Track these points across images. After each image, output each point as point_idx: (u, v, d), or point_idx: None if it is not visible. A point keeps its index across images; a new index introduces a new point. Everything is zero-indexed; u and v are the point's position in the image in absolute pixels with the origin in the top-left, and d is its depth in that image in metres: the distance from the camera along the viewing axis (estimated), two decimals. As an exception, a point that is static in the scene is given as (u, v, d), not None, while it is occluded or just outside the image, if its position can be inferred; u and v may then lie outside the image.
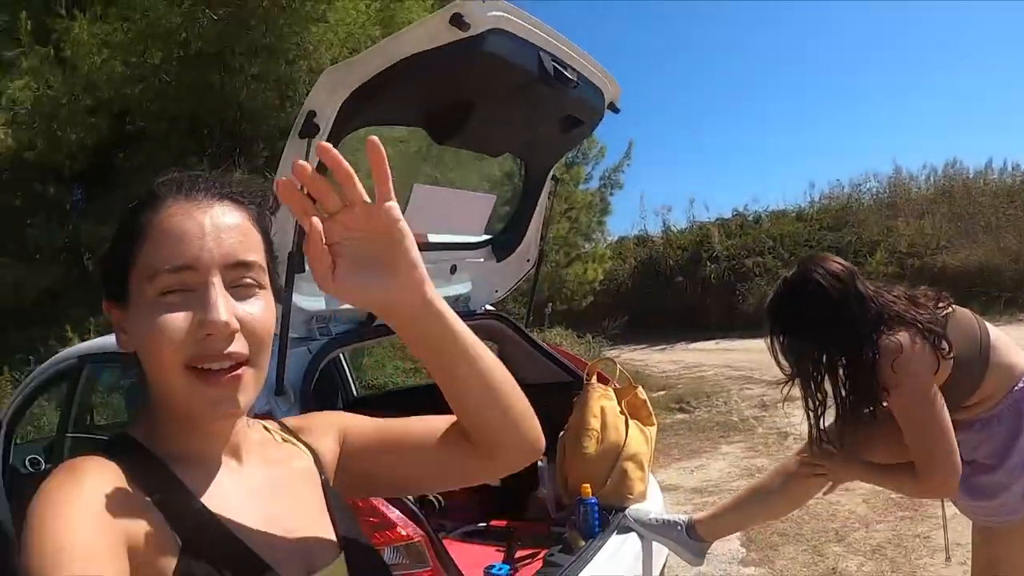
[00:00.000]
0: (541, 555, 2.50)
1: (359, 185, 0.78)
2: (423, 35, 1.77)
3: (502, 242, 2.93)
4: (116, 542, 0.72)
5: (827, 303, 2.12)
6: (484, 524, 3.00)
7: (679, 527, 2.50)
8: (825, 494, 2.49)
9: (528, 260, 3.04)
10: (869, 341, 2.09)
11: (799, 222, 18.24)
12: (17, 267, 10.29)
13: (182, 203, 0.84)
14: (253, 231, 0.89)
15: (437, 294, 0.86)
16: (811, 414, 2.28)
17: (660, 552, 2.82)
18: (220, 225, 0.84)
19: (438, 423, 1.05)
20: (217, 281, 0.82)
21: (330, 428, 1.09)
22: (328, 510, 0.99)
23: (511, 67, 1.95)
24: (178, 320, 0.80)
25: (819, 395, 2.24)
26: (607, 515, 2.66)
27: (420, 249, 2.50)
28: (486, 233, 2.88)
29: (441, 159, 2.72)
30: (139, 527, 0.76)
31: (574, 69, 2.16)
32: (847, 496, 4.90)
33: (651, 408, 2.92)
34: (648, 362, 13.59)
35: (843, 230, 17.05)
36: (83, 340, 8.82)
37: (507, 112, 2.21)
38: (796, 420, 7.17)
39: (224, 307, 0.80)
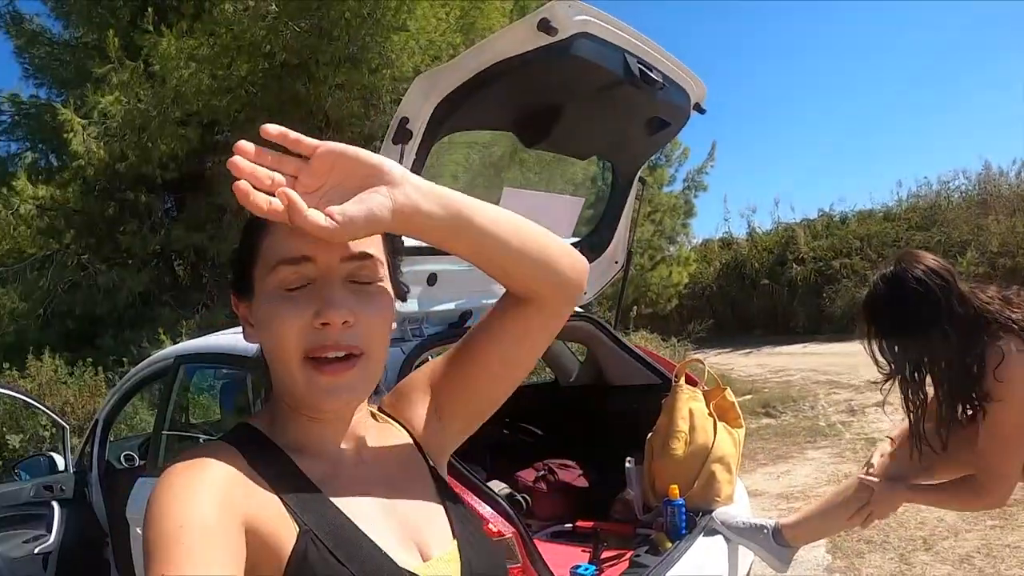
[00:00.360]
0: (627, 556, 2.51)
1: (303, 138, 0.79)
2: (511, 41, 1.81)
3: (590, 244, 2.93)
4: (234, 523, 0.76)
5: (927, 302, 2.07)
6: (570, 525, 3.02)
7: (765, 531, 2.50)
8: (863, 526, 2.46)
9: (616, 262, 3.05)
10: (971, 346, 2.05)
11: (887, 222, 17.72)
12: (110, 273, 10.78)
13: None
14: None
15: (424, 181, 0.86)
16: (911, 416, 2.23)
17: (746, 556, 2.81)
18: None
19: (489, 311, 1.07)
20: (335, 273, 0.85)
21: (414, 389, 1.10)
22: (439, 496, 1.00)
23: (598, 70, 1.97)
24: (296, 311, 0.84)
25: (919, 396, 2.20)
26: (694, 517, 2.66)
27: None
28: (574, 235, 2.90)
29: (526, 162, 2.76)
30: (258, 510, 0.80)
31: (659, 71, 2.18)
32: (937, 506, 4.78)
33: (739, 410, 2.89)
34: (733, 366, 13.40)
35: (932, 229, 16.47)
36: (175, 342, 9.17)
37: (594, 115, 2.23)
38: (884, 426, 7.00)
39: (339, 299, 0.84)
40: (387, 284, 0.93)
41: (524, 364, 1.09)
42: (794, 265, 17.70)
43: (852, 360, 11.57)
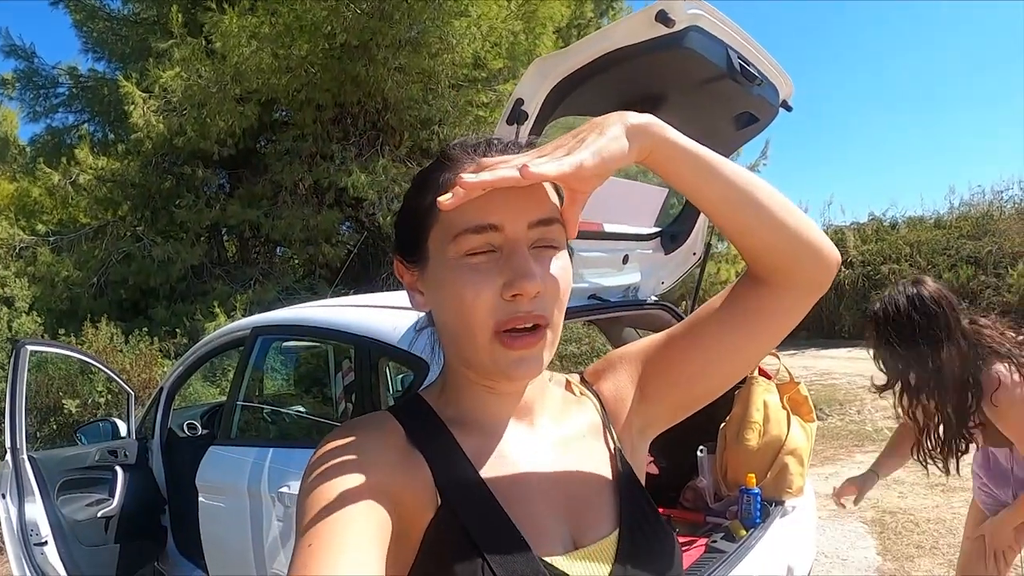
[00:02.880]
0: (699, 543, 2.53)
1: (552, 173, 0.74)
2: (628, 30, 1.84)
3: (671, 235, 2.95)
4: (383, 496, 0.76)
5: (935, 324, 2.22)
6: (640, 511, 3.03)
7: None
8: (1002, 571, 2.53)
9: (694, 254, 3.06)
10: (967, 370, 2.20)
11: (937, 229, 17.23)
12: (165, 245, 10.85)
13: (475, 164, 0.81)
14: (549, 187, 0.86)
15: (670, 128, 0.82)
16: (916, 425, 2.41)
17: (810, 549, 2.84)
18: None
19: (722, 292, 0.99)
20: (522, 241, 0.81)
21: (623, 359, 1.04)
22: (614, 478, 0.94)
23: (704, 63, 1.98)
24: (485, 282, 0.80)
25: (918, 410, 2.36)
26: (767, 507, 2.68)
27: (595, 238, 2.56)
28: (656, 225, 2.92)
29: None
30: (406, 482, 0.81)
31: (755, 67, 2.18)
32: (983, 514, 4.76)
33: (811, 405, 2.90)
34: (779, 368, 13.32)
35: (983, 239, 16.01)
36: (229, 315, 9.32)
37: (692, 106, 2.24)
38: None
39: (532, 269, 0.80)
40: (565, 249, 0.87)
41: (747, 357, 0.99)
42: (842, 268, 17.42)
43: (899, 367, 11.47)
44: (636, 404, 1.01)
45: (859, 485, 2.76)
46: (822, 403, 9.07)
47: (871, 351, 2.43)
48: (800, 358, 14.81)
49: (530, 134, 1.99)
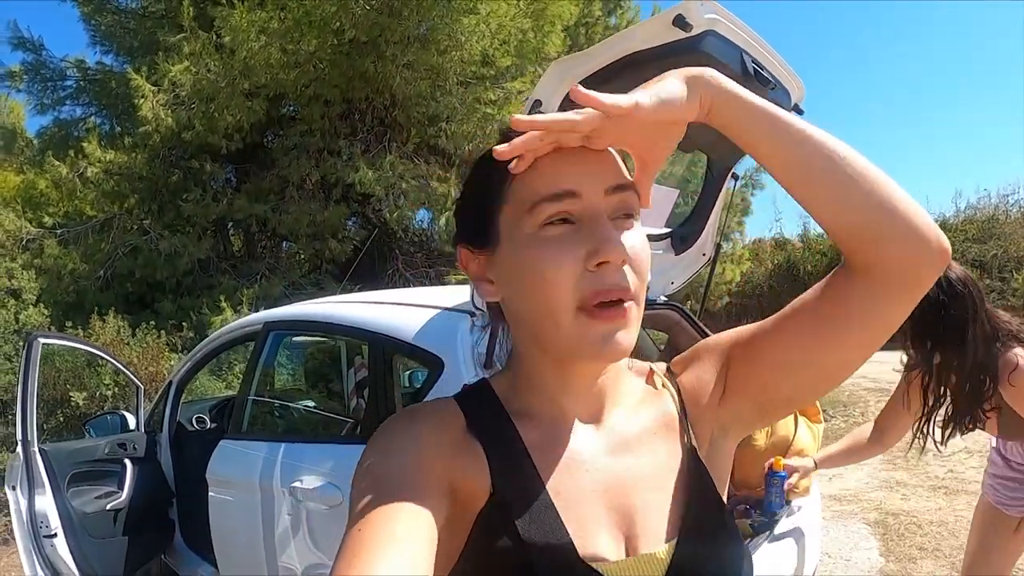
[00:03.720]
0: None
1: (607, 102, 0.71)
2: (646, 34, 1.85)
3: (681, 235, 2.96)
4: (438, 483, 0.76)
5: (961, 305, 2.23)
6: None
7: None
8: None
9: (704, 254, 3.07)
10: (988, 352, 2.24)
11: (944, 232, 17.24)
12: (172, 239, 10.91)
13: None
14: (618, 157, 0.82)
15: (729, 81, 0.78)
16: (926, 406, 2.42)
17: (815, 550, 2.86)
18: (592, 150, 0.79)
19: (817, 285, 0.89)
20: (601, 209, 0.78)
21: (710, 350, 0.97)
22: (683, 482, 0.88)
23: (720, 67, 1.99)
24: (567, 253, 0.76)
25: (939, 390, 2.37)
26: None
27: None
28: (667, 226, 2.93)
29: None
30: (462, 470, 0.80)
31: (769, 71, 2.20)
32: (985, 515, 4.80)
33: (819, 406, 2.93)
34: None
35: (989, 243, 16.11)
36: (236, 309, 9.36)
37: None
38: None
39: (617, 236, 0.76)
40: (641, 223, 0.84)
41: (842, 357, 0.86)
42: (847, 272, 17.47)
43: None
44: (719, 399, 0.94)
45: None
46: (826, 405, 9.11)
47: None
48: (804, 360, 14.88)
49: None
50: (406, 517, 0.70)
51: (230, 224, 12.58)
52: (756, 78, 2.10)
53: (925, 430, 2.46)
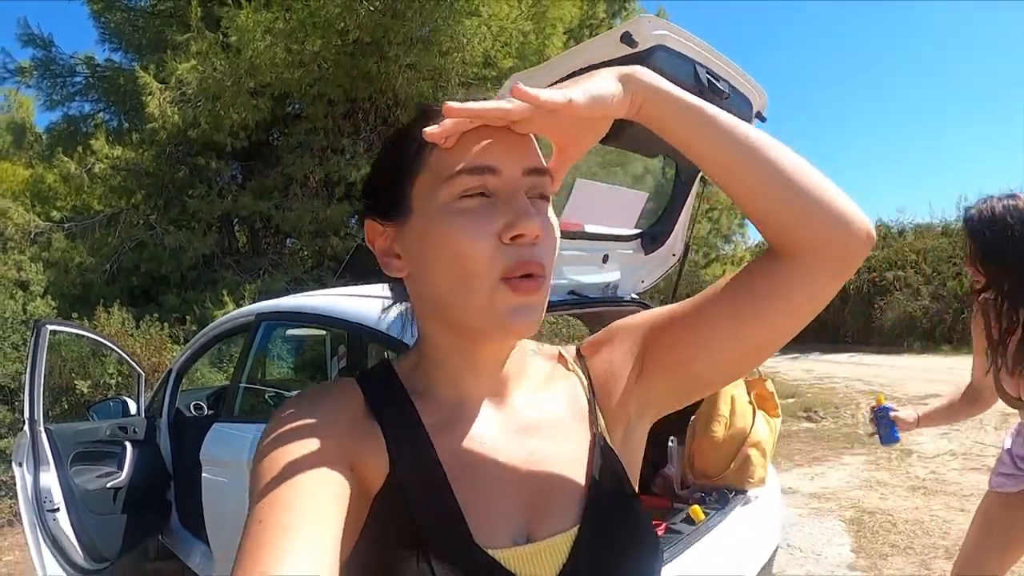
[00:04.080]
0: (663, 525, 2.70)
1: (544, 98, 0.71)
2: (597, 49, 2.01)
3: (651, 236, 3.11)
4: (339, 462, 0.75)
5: (1016, 232, 2.27)
6: (612, 495, 3.22)
7: None
8: None
9: (673, 255, 3.22)
10: None
11: (944, 237, 17.28)
12: (177, 234, 11.11)
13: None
14: (536, 143, 0.82)
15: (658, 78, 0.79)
16: (997, 331, 2.40)
17: (772, 535, 3.02)
18: (515, 132, 0.77)
19: (741, 269, 0.90)
20: (518, 187, 0.77)
21: (624, 331, 0.96)
22: (589, 467, 0.87)
23: (670, 80, 2.16)
24: (481, 225, 0.76)
25: (1010, 316, 2.35)
26: (728, 495, 2.85)
27: (576, 237, 2.70)
28: (637, 227, 3.08)
29: (596, 158, 2.96)
30: (360, 450, 0.78)
31: (725, 81, 2.36)
32: (963, 516, 4.90)
33: (777, 401, 3.07)
34: (780, 369, 13.45)
35: (991, 246, 16.15)
36: (238, 304, 9.55)
37: None
38: (922, 439, 7.09)
39: (533, 210, 0.76)
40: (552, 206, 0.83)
41: (759, 341, 0.87)
42: (848, 273, 17.49)
43: (898, 373, 11.58)
44: (633, 382, 0.92)
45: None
46: (817, 406, 9.26)
47: (965, 257, 2.46)
48: (803, 361, 14.93)
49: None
50: (309, 505, 0.68)
51: (235, 220, 12.76)
52: (710, 88, 2.25)
53: (1000, 356, 2.40)
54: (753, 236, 22.07)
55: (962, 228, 2.47)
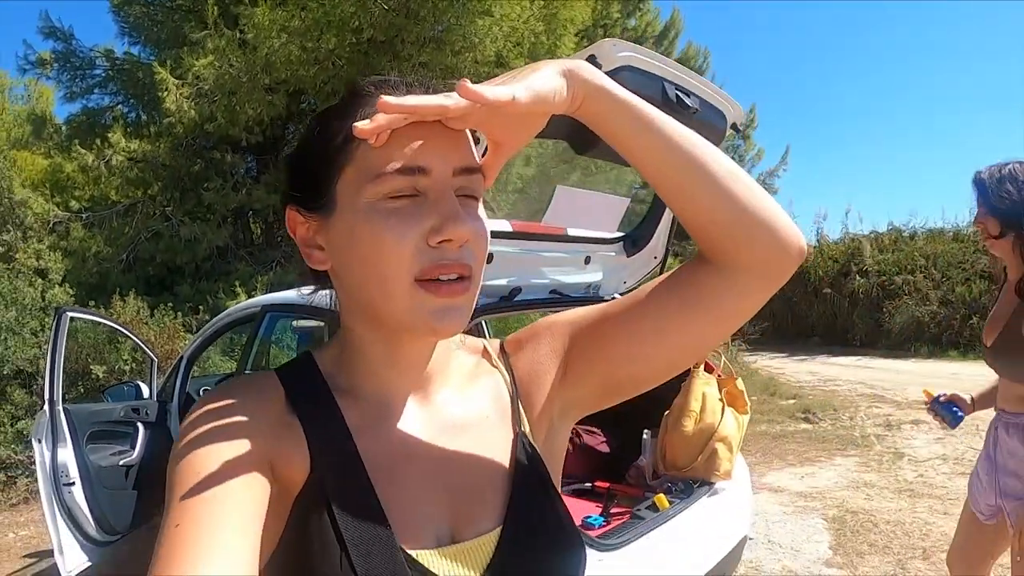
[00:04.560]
0: (628, 512, 2.88)
1: (490, 97, 0.68)
2: (561, 68, 2.21)
3: (633, 239, 3.28)
4: (257, 462, 0.72)
5: None
6: (590, 484, 3.42)
7: None
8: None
9: (655, 257, 3.37)
10: None
11: (955, 242, 17.05)
12: (192, 225, 11.38)
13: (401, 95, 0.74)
14: (470, 139, 0.80)
15: (599, 76, 0.78)
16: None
17: (739, 528, 3.15)
18: (448, 128, 0.75)
19: (670, 273, 0.90)
20: (448, 186, 0.76)
21: (548, 331, 0.96)
22: (512, 467, 0.87)
23: (638, 96, 2.34)
24: (408, 226, 0.74)
25: None
26: (693, 486, 3.01)
27: (559, 240, 2.87)
28: (618, 231, 3.24)
29: (580, 166, 3.15)
30: (280, 448, 0.76)
31: (696, 96, 2.52)
32: (944, 519, 4.99)
33: (747, 399, 3.22)
34: (785, 371, 13.48)
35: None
36: (250, 295, 9.76)
37: None
38: (917, 443, 7.20)
39: (463, 214, 0.75)
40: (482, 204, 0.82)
41: (686, 346, 0.88)
42: (857, 277, 17.33)
43: (902, 378, 11.60)
44: (558, 382, 0.93)
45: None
46: (816, 407, 9.31)
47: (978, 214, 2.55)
48: (809, 363, 14.90)
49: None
50: (227, 508, 0.66)
51: (249, 213, 12.97)
52: (678, 103, 2.42)
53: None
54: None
55: (972, 187, 2.57)
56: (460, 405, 0.89)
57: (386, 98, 0.68)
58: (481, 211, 0.81)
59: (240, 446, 0.72)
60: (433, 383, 0.88)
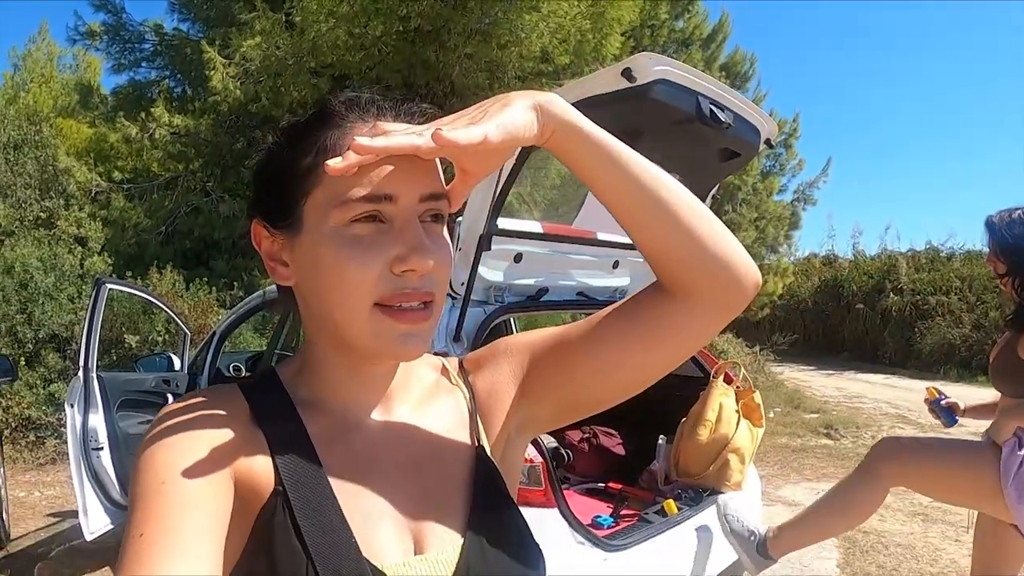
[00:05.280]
0: (636, 515, 2.94)
1: (463, 141, 0.69)
2: (600, 81, 2.24)
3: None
4: (220, 476, 0.73)
5: None
6: (603, 484, 3.46)
7: (753, 538, 2.83)
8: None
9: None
10: None
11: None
12: (232, 203, 11.56)
13: (372, 127, 0.78)
14: (437, 163, 0.81)
15: (570, 113, 0.78)
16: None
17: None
18: (420, 156, 0.73)
19: (628, 298, 0.93)
20: (413, 214, 0.77)
21: (507, 352, 0.98)
22: (472, 481, 0.88)
23: (672, 109, 2.37)
24: (373, 253, 0.75)
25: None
26: (703, 494, 3.05)
27: (588, 244, 2.92)
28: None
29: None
30: (244, 462, 0.76)
31: (730, 111, 2.56)
32: (956, 547, 4.96)
33: (763, 412, 3.25)
34: (812, 384, 13.39)
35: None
36: (283, 275, 9.91)
37: (671, 142, 2.59)
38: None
39: (427, 245, 0.76)
40: (445, 223, 0.83)
41: (643, 371, 0.91)
42: (891, 294, 17.20)
43: (927, 398, 11.48)
44: (516, 401, 0.95)
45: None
46: (839, 424, 9.26)
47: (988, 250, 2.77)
48: (836, 378, 14.78)
49: (516, 161, 2.42)
50: (192, 518, 0.68)
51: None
52: (711, 118, 2.46)
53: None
54: (807, 247, 21.74)
55: (984, 229, 2.78)
56: (421, 419, 0.91)
57: (359, 140, 0.68)
58: (444, 233, 0.82)
59: (204, 456, 0.73)
60: (395, 398, 0.90)
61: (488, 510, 0.86)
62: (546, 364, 0.93)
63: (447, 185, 0.82)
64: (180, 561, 0.64)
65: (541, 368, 0.94)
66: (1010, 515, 2.62)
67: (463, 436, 0.92)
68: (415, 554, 0.80)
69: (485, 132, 0.70)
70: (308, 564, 0.72)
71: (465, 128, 0.69)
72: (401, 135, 0.70)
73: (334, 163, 0.69)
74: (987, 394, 3.02)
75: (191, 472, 0.70)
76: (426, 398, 0.93)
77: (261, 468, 0.77)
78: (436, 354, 1.02)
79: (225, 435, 0.76)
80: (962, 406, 3.15)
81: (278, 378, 0.88)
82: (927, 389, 3.22)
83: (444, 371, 0.98)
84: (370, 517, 0.79)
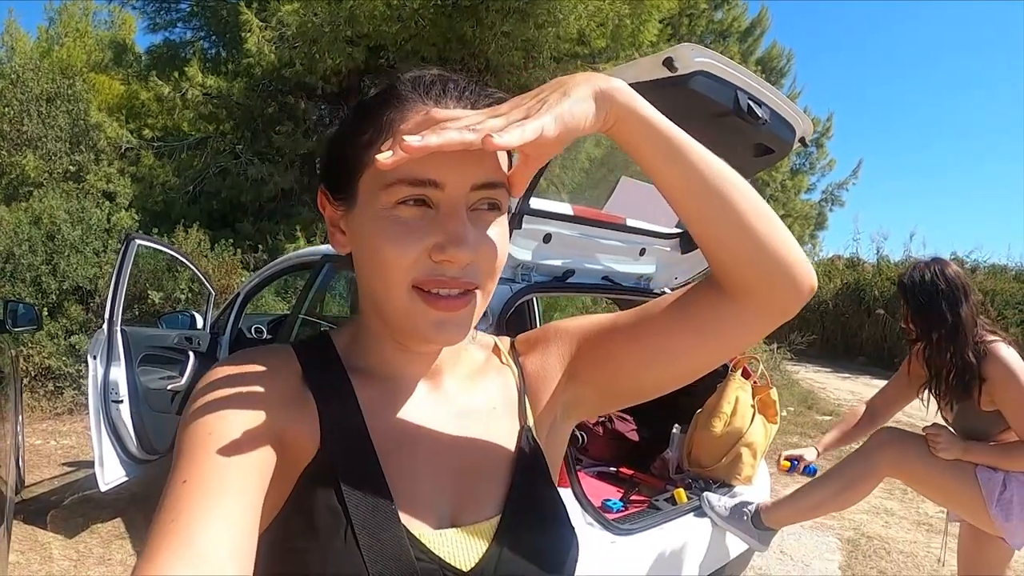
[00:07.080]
0: (647, 501, 2.95)
1: (518, 143, 0.67)
2: (641, 69, 2.23)
3: (689, 237, 3.26)
4: (266, 432, 0.74)
5: (953, 294, 2.70)
6: (615, 469, 3.48)
7: (745, 516, 2.85)
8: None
9: (709, 258, 3.45)
10: (970, 337, 2.67)
11: (1016, 282, 16.54)
12: (260, 166, 11.60)
13: (426, 114, 0.76)
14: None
15: (638, 102, 0.76)
16: (932, 372, 2.82)
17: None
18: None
19: (682, 292, 0.91)
20: (461, 202, 0.76)
21: (558, 335, 0.98)
22: (514, 459, 0.89)
23: (710, 102, 2.36)
24: (413, 240, 0.75)
25: (937, 360, 2.76)
26: (713, 486, 3.05)
27: (617, 229, 2.92)
28: (677, 227, 3.29)
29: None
30: (291, 421, 0.77)
31: (767, 107, 2.55)
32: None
33: (778, 408, 3.25)
34: (827, 386, 13.26)
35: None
36: (310, 240, 9.96)
37: (707, 133, 2.58)
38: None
39: (467, 237, 0.74)
40: (505, 214, 0.82)
41: (690, 365, 0.91)
42: (913, 303, 17.04)
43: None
44: (564, 384, 0.96)
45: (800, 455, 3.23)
46: (825, 416, 9.25)
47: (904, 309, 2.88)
48: (852, 382, 14.62)
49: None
50: (234, 469, 0.68)
51: (317, 160, 13.13)
52: (749, 113, 2.46)
53: (930, 394, 2.89)
54: (831, 248, 21.57)
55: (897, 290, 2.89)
56: (469, 394, 0.91)
57: (409, 139, 0.65)
58: (500, 221, 0.80)
59: (253, 414, 0.74)
60: (443, 372, 0.90)
61: (527, 489, 0.86)
62: (595, 348, 0.94)
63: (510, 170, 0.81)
64: (218, 511, 0.64)
65: (590, 352, 0.94)
66: (995, 531, 2.71)
67: (510, 415, 0.92)
68: (451, 526, 0.81)
69: (541, 126, 0.68)
70: (347, 526, 0.74)
71: (519, 127, 0.67)
72: (453, 132, 0.67)
73: (383, 157, 0.67)
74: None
75: (239, 426, 0.72)
76: (475, 375, 0.94)
77: (308, 428, 0.78)
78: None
79: (275, 393, 0.78)
80: (815, 452, 3.21)
81: (332, 344, 0.89)
82: (779, 465, 3.24)
83: (496, 350, 0.99)
84: (412, 484, 0.80)
